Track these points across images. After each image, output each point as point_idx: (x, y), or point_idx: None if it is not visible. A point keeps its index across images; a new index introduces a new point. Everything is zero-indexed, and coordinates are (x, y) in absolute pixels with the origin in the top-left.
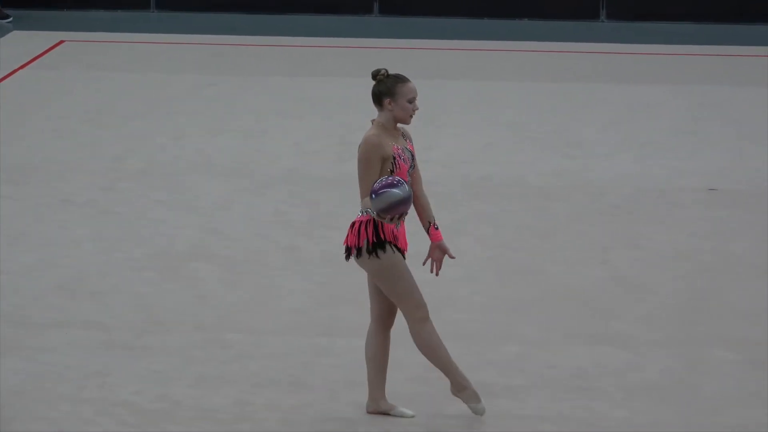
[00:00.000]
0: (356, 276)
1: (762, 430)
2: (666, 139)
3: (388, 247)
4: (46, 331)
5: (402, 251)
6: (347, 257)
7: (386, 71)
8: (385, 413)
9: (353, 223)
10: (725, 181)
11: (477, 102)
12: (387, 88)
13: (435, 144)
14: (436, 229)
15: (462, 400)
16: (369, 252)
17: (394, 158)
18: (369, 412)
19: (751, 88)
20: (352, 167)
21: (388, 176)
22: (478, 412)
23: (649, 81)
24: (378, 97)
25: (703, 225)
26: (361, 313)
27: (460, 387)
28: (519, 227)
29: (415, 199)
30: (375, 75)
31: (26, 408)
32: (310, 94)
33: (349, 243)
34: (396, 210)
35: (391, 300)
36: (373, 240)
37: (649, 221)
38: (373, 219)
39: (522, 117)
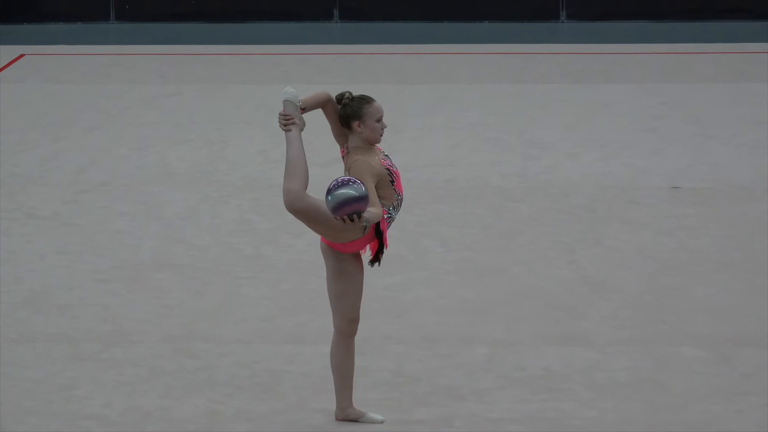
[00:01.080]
0: (322, 283)
1: (728, 427)
2: (628, 138)
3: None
4: (12, 345)
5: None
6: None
7: (350, 94)
8: (354, 420)
9: None
10: (688, 178)
11: (439, 105)
12: (354, 111)
13: (397, 148)
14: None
15: (353, 419)
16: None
17: (389, 170)
18: (338, 420)
19: (710, 85)
20: (316, 174)
21: (345, 176)
22: (376, 420)
23: (610, 80)
24: (346, 121)
25: (666, 223)
26: (327, 320)
27: (345, 409)
28: (483, 229)
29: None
30: (340, 99)
31: None
32: (271, 101)
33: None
34: (349, 208)
35: (330, 300)
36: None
37: (613, 220)
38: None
39: (484, 119)
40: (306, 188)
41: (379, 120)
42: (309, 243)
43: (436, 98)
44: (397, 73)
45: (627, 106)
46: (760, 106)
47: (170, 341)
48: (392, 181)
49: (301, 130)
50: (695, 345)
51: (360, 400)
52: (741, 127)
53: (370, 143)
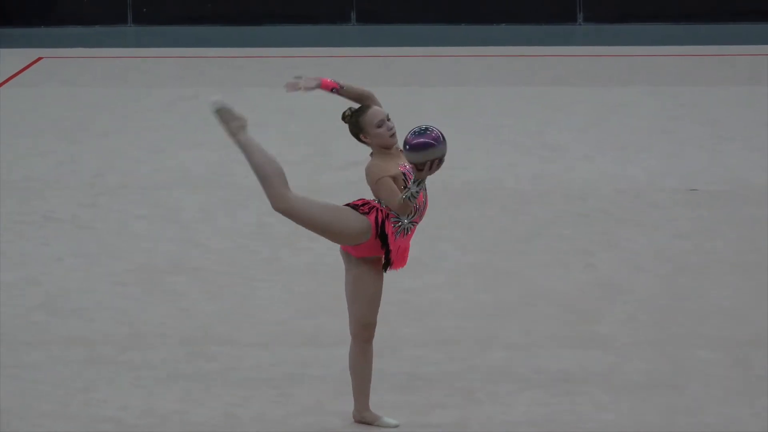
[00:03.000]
0: (338, 286)
1: (745, 429)
2: (644, 140)
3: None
4: (29, 348)
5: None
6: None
7: (349, 110)
8: (370, 423)
9: (371, 205)
10: (704, 180)
11: (455, 108)
12: (354, 126)
13: None
14: (333, 85)
15: (368, 422)
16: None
17: (405, 175)
18: (355, 421)
19: (727, 87)
20: (332, 177)
21: (422, 129)
22: (390, 425)
23: (627, 82)
24: (356, 136)
25: (683, 225)
26: (344, 322)
27: (361, 412)
28: (499, 232)
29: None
30: (342, 118)
31: (10, 426)
32: (288, 104)
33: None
34: (430, 153)
35: (348, 304)
36: (380, 229)
37: (630, 223)
38: (387, 219)
39: (500, 121)
40: (285, 187)
41: (381, 124)
42: (328, 247)
43: (453, 101)
44: (413, 76)
45: (643, 109)
46: None
47: (187, 344)
48: (405, 187)
49: (245, 127)
50: (711, 347)
51: (377, 402)
52: (757, 130)
53: (387, 149)
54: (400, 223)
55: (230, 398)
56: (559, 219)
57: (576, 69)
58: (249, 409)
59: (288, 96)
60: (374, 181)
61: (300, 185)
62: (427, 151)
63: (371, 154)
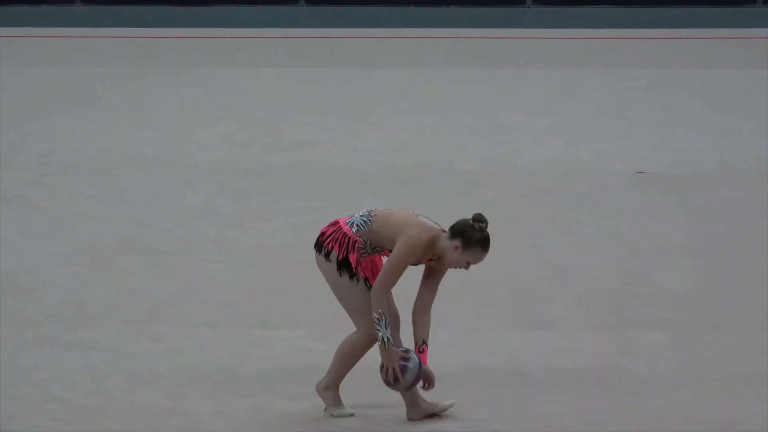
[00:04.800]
0: (287, 267)
1: (691, 412)
2: (594, 123)
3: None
4: None
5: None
6: (318, 251)
7: (486, 224)
8: (326, 404)
9: (338, 226)
10: (653, 163)
11: (405, 90)
12: (467, 239)
13: (363, 132)
14: (421, 352)
15: (325, 401)
16: (338, 266)
17: (417, 263)
18: (318, 393)
19: (677, 70)
20: (281, 158)
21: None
22: (344, 414)
23: (577, 65)
24: (455, 233)
25: (632, 208)
26: (293, 304)
27: (328, 387)
28: (449, 214)
29: (419, 313)
30: (477, 219)
31: None
32: (237, 85)
33: (327, 245)
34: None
35: (346, 311)
36: (343, 256)
37: (579, 205)
38: (354, 240)
39: (450, 104)
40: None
41: (468, 266)
42: (276, 228)
43: (402, 82)
44: (363, 58)
45: (593, 92)
46: (727, 93)
47: (134, 324)
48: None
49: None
50: (659, 330)
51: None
52: (707, 114)
53: (447, 264)
54: (365, 252)
55: (177, 378)
56: (509, 201)
57: (526, 51)
58: (195, 389)
59: (237, 77)
60: (401, 252)
61: (252, 166)
62: (407, 376)
63: (444, 233)
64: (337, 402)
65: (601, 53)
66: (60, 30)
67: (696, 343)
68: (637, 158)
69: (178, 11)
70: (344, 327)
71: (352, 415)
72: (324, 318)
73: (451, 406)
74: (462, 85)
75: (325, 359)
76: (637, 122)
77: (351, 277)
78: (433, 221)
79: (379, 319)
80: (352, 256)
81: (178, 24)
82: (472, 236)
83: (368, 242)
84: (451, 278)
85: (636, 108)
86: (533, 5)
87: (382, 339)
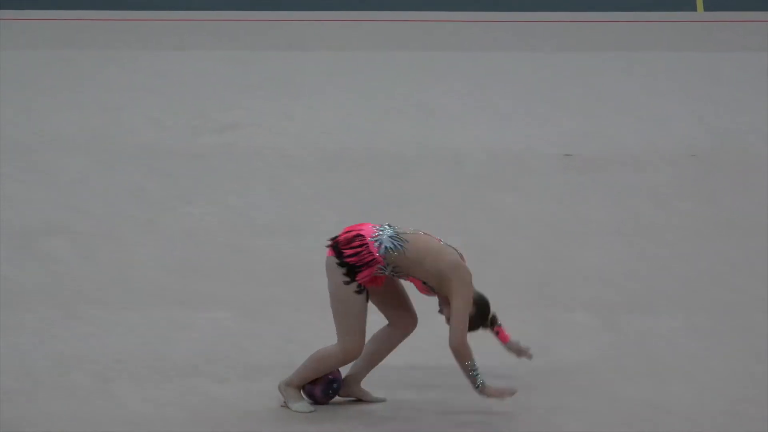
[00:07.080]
0: (214, 250)
1: (613, 391)
2: (520, 106)
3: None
4: None
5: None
6: (336, 255)
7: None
8: (284, 397)
9: (364, 241)
10: (581, 146)
11: (333, 72)
12: (481, 318)
13: (292, 115)
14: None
15: (284, 395)
16: (349, 278)
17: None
18: (279, 389)
19: (605, 53)
20: (209, 140)
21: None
22: (303, 410)
23: (504, 48)
24: (479, 319)
25: (557, 190)
26: (220, 286)
27: (290, 384)
28: (376, 196)
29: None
30: (492, 320)
31: None
32: (164, 67)
33: (348, 258)
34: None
35: (333, 319)
36: (358, 271)
37: (505, 187)
38: (378, 261)
39: (378, 86)
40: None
41: (476, 327)
42: (204, 212)
43: (331, 65)
44: (292, 40)
45: (521, 74)
46: (654, 77)
47: (60, 308)
48: None
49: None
50: (584, 310)
51: (250, 374)
52: (634, 97)
53: (439, 295)
54: (382, 272)
55: (105, 360)
56: (436, 184)
57: (453, 34)
58: (123, 371)
59: (164, 60)
60: (467, 280)
61: (179, 148)
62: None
63: (456, 270)
64: (298, 397)
65: (529, 36)
66: None
67: (619, 323)
68: (564, 141)
69: None
70: (270, 309)
71: (313, 411)
72: (251, 300)
73: (383, 401)
74: (391, 68)
75: (251, 341)
76: (564, 105)
77: (358, 292)
78: (453, 247)
79: (472, 367)
80: (368, 270)
81: (106, 6)
82: (486, 321)
83: (390, 265)
84: None
85: (564, 91)
86: None
87: (479, 384)
